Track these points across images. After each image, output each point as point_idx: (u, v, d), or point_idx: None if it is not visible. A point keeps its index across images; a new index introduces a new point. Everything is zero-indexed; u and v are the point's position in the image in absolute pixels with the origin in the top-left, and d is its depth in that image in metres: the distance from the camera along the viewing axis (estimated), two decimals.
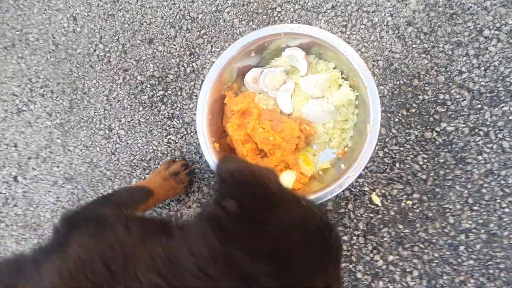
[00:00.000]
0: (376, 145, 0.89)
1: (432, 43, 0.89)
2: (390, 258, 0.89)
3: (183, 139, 1.00)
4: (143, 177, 1.02)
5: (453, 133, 0.87)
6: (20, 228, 1.10)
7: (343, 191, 0.90)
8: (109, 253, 0.41)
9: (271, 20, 0.97)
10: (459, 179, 0.87)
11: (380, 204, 0.89)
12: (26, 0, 1.11)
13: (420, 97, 0.89)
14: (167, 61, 1.02)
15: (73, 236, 0.47)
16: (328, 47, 0.81)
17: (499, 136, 0.85)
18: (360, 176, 0.91)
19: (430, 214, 0.87)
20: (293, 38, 0.84)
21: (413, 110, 0.89)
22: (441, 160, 0.87)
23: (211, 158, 0.84)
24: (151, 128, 1.02)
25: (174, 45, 1.02)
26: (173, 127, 1.01)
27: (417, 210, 0.88)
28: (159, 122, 1.02)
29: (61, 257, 0.43)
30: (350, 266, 0.90)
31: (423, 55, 0.89)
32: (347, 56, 0.79)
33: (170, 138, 1.01)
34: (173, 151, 1.00)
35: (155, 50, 1.03)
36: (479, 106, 0.87)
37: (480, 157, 0.86)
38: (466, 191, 0.86)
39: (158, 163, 1.01)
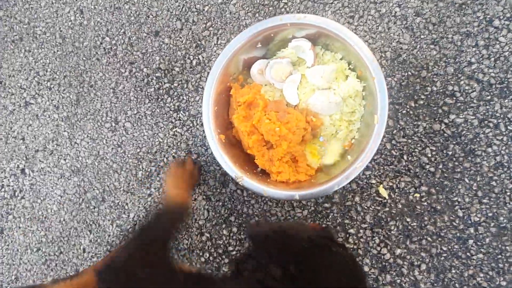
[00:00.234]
0: (384, 137, 0.88)
1: (440, 34, 0.88)
2: (398, 251, 0.88)
3: (189, 131, 1.00)
4: (149, 170, 1.02)
5: (462, 125, 0.86)
6: (27, 220, 1.11)
7: (349, 183, 0.89)
8: None
9: (277, 11, 0.96)
10: (468, 172, 0.85)
11: (387, 197, 0.88)
12: None
13: (429, 88, 0.88)
14: (173, 54, 1.02)
15: None
16: (335, 37, 0.80)
17: (509, 128, 0.84)
18: (367, 168, 0.90)
19: (438, 207, 0.86)
20: (300, 29, 0.84)
21: (422, 102, 0.88)
22: (450, 153, 0.86)
23: (217, 149, 0.84)
24: (157, 121, 1.02)
25: (180, 37, 1.02)
26: (179, 120, 1.01)
27: (425, 203, 0.87)
28: (165, 115, 1.02)
29: None
30: (357, 259, 0.90)
31: (432, 46, 0.88)
32: (355, 46, 0.78)
33: (176, 130, 1.01)
34: (179, 143, 1.00)
35: (161, 43, 1.03)
36: (489, 97, 0.85)
37: (489, 149, 0.85)
38: (475, 184, 0.85)
39: (164, 156, 1.01)
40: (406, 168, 0.88)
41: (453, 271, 0.85)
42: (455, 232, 0.86)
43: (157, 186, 1.01)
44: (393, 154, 0.89)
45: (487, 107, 0.85)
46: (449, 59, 0.87)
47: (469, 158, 0.85)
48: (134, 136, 1.03)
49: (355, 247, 0.90)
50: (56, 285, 0.82)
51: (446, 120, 0.87)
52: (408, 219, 0.88)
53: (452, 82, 0.87)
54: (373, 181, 0.89)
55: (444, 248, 0.86)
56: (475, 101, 0.86)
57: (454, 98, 0.86)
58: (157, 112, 1.02)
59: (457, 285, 0.85)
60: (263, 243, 0.52)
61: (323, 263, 0.47)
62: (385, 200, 0.89)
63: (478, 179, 0.85)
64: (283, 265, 0.45)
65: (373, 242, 0.89)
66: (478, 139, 0.85)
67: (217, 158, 0.84)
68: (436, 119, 0.87)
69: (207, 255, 0.97)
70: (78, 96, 1.08)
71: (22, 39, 1.13)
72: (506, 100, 0.84)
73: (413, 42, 0.89)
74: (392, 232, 0.88)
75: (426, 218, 0.87)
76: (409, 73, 0.89)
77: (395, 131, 0.89)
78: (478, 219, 0.85)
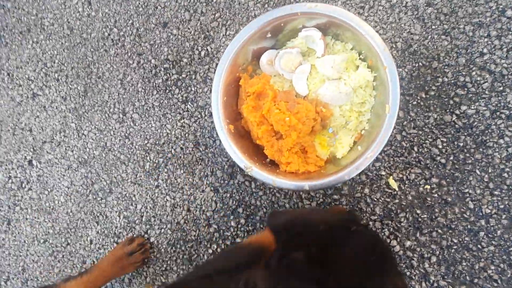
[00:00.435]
0: (394, 128, 0.87)
1: (452, 24, 0.87)
2: (408, 243, 0.87)
3: (197, 122, 1.00)
4: (156, 161, 1.02)
5: (474, 116, 0.85)
6: (34, 211, 1.11)
7: (359, 174, 0.89)
8: None
9: (286, 2, 0.96)
10: (480, 163, 0.85)
11: (397, 189, 0.88)
12: None
13: (440, 79, 0.87)
14: (182, 45, 1.01)
15: None
16: (346, 26, 0.80)
17: None
18: (377, 160, 0.89)
19: (449, 199, 0.85)
20: (310, 18, 0.83)
21: (432, 93, 0.87)
22: (461, 144, 0.85)
23: (226, 139, 0.83)
24: (165, 112, 1.02)
25: (189, 28, 1.01)
26: (187, 111, 1.00)
27: (436, 195, 0.86)
28: (173, 106, 1.01)
29: None
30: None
31: (443, 37, 0.87)
32: (366, 35, 0.77)
33: (184, 122, 1.00)
34: (187, 135, 1.00)
35: (169, 34, 1.02)
36: (501, 88, 0.84)
37: (501, 141, 0.84)
38: (486, 176, 0.84)
39: (172, 147, 1.01)
40: (417, 159, 0.87)
41: (464, 264, 0.84)
42: (466, 224, 0.85)
43: (164, 177, 1.01)
44: (403, 145, 0.88)
45: (499, 98, 0.84)
46: (460, 50, 0.86)
47: (481, 149, 0.84)
48: (142, 128, 1.03)
49: None
50: (68, 283, 0.82)
51: (457, 111, 0.86)
52: (418, 211, 0.87)
53: (463, 73, 0.86)
54: (383, 173, 0.89)
55: (455, 240, 0.85)
56: (487, 92, 0.85)
57: (466, 89, 0.86)
58: (165, 104, 1.02)
59: (467, 277, 0.84)
60: (284, 230, 0.53)
61: (345, 243, 0.47)
62: (395, 192, 0.88)
63: (490, 171, 0.84)
64: (305, 249, 0.46)
65: (382, 234, 0.88)
66: (489, 131, 0.84)
67: (226, 148, 0.83)
68: (447, 110, 0.86)
69: (215, 246, 0.97)
70: (85, 88, 1.08)
71: (30, 30, 1.13)
72: None
73: (424, 32, 0.88)
74: (402, 224, 0.87)
75: (436, 210, 0.86)
76: (420, 64, 0.88)
77: (405, 122, 0.88)
78: (489, 211, 0.84)
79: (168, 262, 0.99)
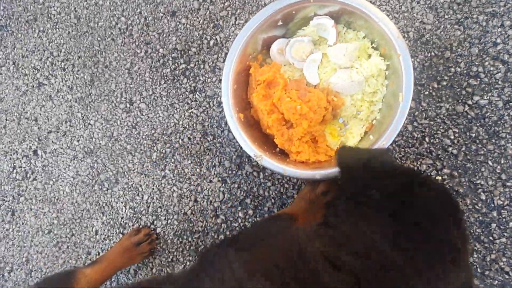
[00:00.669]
0: (405, 119, 0.86)
1: (465, 14, 0.86)
2: None
3: (205, 112, 0.99)
4: (163, 151, 1.00)
5: (486, 106, 0.84)
6: (39, 202, 1.09)
7: None
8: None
9: None
10: (492, 154, 0.84)
11: None
12: None
13: (452, 69, 0.86)
14: (190, 34, 1.01)
15: None
16: (359, 14, 0.79)
17: None
18: (387, 150, 0.88)
19: (461, 190, 0.85)
20: (322, 6, 0.82)
21: (445, 83, 0.86)
22: (473, 135, 0.84)
23: (236, 128, 0.82)
24: (173, 102, 1.01)
25: (197, 17, 1.00)
26: (195, 101, 0.99)
27: (447, 186, 0.85)
28: (181, 96, 1.00)
29: None
30: None
31: (456, 26, 0.86)
32: (379, 22, 0.76)
33: (192, 111, 0.99)
34: (195, 124, 0.99)
35: (178, 23, 1.01)
36: None
37: None
38: (499, 167, 0.83)
39: (179, 137, 1.00)
40: (428, 150, 0.86)
41: (475, 255, 0.84)
42: (478, 216, 0.84)
43: (171, 168, 1.00)
44: (414, 136, 0.87)
45: None
46: (473, 40, 0.85)
47: (493, 140, 0.84)
48: (149, 117, 1.02)
49: None
50: (86, 270, 0.82)
51: (469, 102, 0.85)
52: None
53: (476, 63, 0.85)
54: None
55: (466, 232, 0.84)
56: (500, 82, 0.84)
57: (478, 79, 0.85)
58: (173, 93, 1.01)
59: (479, 269, 0.83)
60: (358, 169, 0.54)
61: (420, 189, 0.48)
62: None
63: (502, 162, 0.83)
64: (381, 188, 0.48)
65: None
66: (502, 121, 0.83)
67: (236, 136, 0.82)
68: (460, 101, 0.85)
69: (222, 237, 0.96)
70: (92, 77, 1.07)
71: (36, 19, 1.12)
72: None
73: (436, 22, 0.87)
74: None
75: None
76: (432, 53, 0.87)
77: (417, 112, 0.87)
78: (501, 202, 0.83)
79: (175, 253, 0.98)
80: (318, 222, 0.51)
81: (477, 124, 0.84)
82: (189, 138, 0.99)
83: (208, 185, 0.97)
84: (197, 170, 0.98)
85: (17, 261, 1.10)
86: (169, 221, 0.99)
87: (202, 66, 0.99)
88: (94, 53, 1.07)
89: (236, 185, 0.96)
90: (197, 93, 0.99)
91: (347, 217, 0.48)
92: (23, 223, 1.11)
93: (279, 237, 0.52)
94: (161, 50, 1.02)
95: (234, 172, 0.96)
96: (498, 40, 0.84)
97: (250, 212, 0.95)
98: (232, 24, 0.98)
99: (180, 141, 1.00)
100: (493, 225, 0.83)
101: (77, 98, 1.08)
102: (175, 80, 1.01)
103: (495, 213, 0.83)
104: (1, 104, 1.13)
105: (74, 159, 1.07)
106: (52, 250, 1.08)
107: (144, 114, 1.02)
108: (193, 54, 1.00)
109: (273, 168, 0.80)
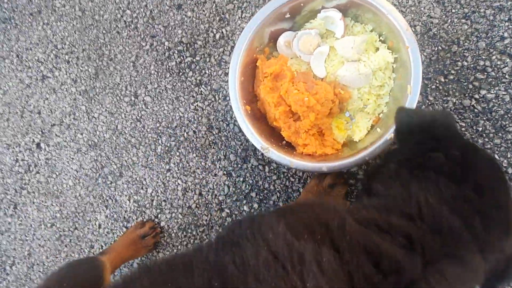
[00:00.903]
0: None
1: (472, 8, 0.86)
2: None
3: (210, 106, 0.98)
4: (168, 144, 1.00)
5: (493, 100, 0.84)
6: (42, 195, 1.09)
7: (376, 158, 0.87)
8: None
9: None
10: (499, 148, 0.84)
11: None
12: None
13: (459, 63, 0.86)
14: (196, 27, 1.00)
15: None
16: (367, 6, 0.79)
17: None
18: (394, 144, 0.88)
19: None
20: None
21: (451, 77, 0.86)
22: (480, 129, 0.84)
23: (243, 120, 0.82)
24: (178, 95, 1.00)
25: (204, 10, 1.00)
26: (201, 94, 0.99)
27: None
28: (186, 89, 1.00)
29: None
30: None
31: (463, 20, 0.86)
32: (388, 15, 0.76)
33: (197, 105, 0.99)
34: (200, 118, 0.99)
35: (183, 16, 1.01)
36: None
37: None
38: (505, 161, 0.83)
39: (185, 130, 0.99)
40: None
41: None
42: None
43: (176, 161, 0.99)
44: None
45: None
46: (481, 34, 0.85)
47: (500, 134, 0.84)
48: (154, 111, 1.02)
49: None
50: (103, 257, 0.81)
51: (476, 96, 0.85)
52: None
53: (483, 57, 0.85)
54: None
55: None
56: (507, 76, 0.84)
57: (485, 73, 0.85)
58: (178, 86, 1.00)
59: None
60: (422, 131, 0.53)
61: (480, 158, 0.50)
62: None
63: (509, 156, 0.83)
64: (445, 151, 0.48)
65: None
66: (509, 115, 0.83)
67: (243, 128, 0.82)
68: (466, 95, 0.85)
69: None
70: (97, 70, 1.06)
71: (40, 12, 1.12)
72: None
73: (444, 16, 0.87)
74: None
75: None
76: (439, 47, 0.87)
77: (423, 106, 0.87)
78: None
79: (179, 247, 0.98)
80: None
81: (484, 118, 0.84)
82: (194, 132, 0.99)
83: (213, 178, 0.97)
84: (202, 163, 0.98)
85: (19, 254, 1.09)
86: (174, 214, 0.99)
87: (207, 60, 0.99)
88: (99, 46, 1.07)
89: (241, 179, 0.95)
90: (203, 86, 0.99)
91: (398, 182, 0.48)
92: (25, 217, 1.10)
93: (319, 207, 0.51)
94: (166, 43, 1.02)
95: (239, 165, 0.96)
96: (506, 34, 0.84)
97: (255, 206, 0.94)
98: (239, 18, 0.98)
99: (185, 134, 0.99)
100: None
101: (81, 91, 1.07)
102: (181, 73, 1.00)
103: None
104: (5, 97, 1.12)
105: (77, 152, 1.07)
106: (55, 244, 1.07)
107: (149, 107, 1.02)
108: (199, 47, 1.00)
109: (280, 161, 0.80)
